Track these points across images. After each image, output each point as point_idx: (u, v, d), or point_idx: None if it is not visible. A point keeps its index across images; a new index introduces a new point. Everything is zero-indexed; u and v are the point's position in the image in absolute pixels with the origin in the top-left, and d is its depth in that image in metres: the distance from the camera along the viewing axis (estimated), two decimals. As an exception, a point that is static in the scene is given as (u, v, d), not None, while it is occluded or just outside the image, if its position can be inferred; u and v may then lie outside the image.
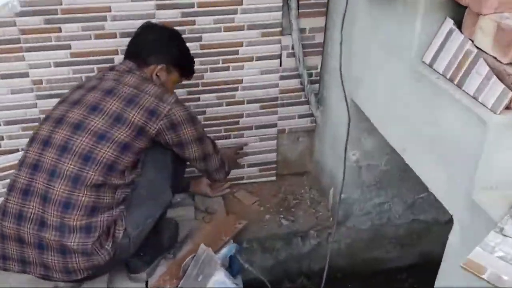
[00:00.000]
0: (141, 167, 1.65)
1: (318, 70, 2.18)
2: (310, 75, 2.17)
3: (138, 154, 1.60)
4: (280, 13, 1.99)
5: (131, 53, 1.73)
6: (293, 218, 2.25)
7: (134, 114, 1.55)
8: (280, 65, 2.13)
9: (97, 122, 1.52)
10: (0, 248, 1.55)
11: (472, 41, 1.17)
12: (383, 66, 1.56)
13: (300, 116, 2.30)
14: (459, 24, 1.24)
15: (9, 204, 1.52)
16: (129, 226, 1.61)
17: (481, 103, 1.11)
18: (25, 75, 1.90)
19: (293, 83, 2.19)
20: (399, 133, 1.50)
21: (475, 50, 1.15)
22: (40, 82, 1.93)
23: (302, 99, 2.24)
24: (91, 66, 1.94)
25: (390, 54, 1.50)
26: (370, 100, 1.70)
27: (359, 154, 2.02)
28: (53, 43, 1.86)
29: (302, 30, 2.05)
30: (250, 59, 2.08)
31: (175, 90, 1.85)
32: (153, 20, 1.86)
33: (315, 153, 2.43)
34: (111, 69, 1.69)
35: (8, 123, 1.98)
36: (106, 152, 1.51)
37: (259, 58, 2.08)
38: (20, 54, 1.85)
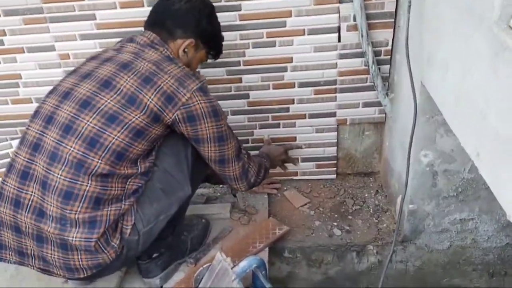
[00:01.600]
0: (156, 156, 1.41)
1: (389, 47, 1.73)
2: (377, 53, 1.73)
3: (153, 141, 1.37)
4: (337, -27, 1.59)
5: (153, 23, 1.46)
6: (349, 227, 1.86)
7: (150, 97, 1.29)
8: (339, 41, 1.73)
9: (108, 100, 1.29)
10: None
11: None
12: (457, 35, 1.11)
13: (365, 105, 1.87)
14: None
15: (6, 186, 1.35)
16: (139, 221, 1.38)
17: None
18: (52, 48, 1.76)
19: (356, 63, 1.77)
20: (473, 130, 1.05)
21: None
22: (67, 56, 1.77)
23: (367, 84, 1.81)
24: (119, 39, 1.72)
25: (466, 19, 1.05)
26: (441, 84, 1.25)
27: (433, 156, 1.56)
28: (77, 12, 1.68)
29: (367, -4, 1.63)
30: (301, 33, 1.71)
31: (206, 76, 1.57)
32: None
33: (384, 150, 1.99)
34: (130, 40, 1.44)
35: (38, 100, 1.86)
36: (116, 137, 1.28)
37: (312, 32, 1.70)
38: (45, 25, 1.70)
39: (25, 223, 1.33)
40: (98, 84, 1.31)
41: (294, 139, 1.98)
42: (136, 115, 1.29)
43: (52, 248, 1.33)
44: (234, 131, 1.50)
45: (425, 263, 1.83)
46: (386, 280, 1.74)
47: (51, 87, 1.77)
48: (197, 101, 1.33)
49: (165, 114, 1.31)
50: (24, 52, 1.77)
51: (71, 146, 1.27)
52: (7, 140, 1.95)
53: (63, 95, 1.34)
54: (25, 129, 1.38)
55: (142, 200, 1.39)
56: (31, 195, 1.32)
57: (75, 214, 1.28)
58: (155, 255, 1.57)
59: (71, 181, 1.27)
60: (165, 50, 1.40)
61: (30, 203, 1.32)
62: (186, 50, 1.44)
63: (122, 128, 1.28)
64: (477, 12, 0.98)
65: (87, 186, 1.28)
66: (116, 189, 1.32)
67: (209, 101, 1.36)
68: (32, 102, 1.87)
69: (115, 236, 1.35)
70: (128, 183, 1.34)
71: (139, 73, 1.32)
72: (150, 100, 1.29)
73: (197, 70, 1.57)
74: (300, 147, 2.00)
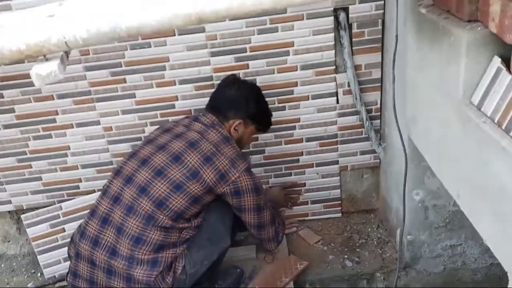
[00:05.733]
0: (206, 211, 1.76)
1: (378, 105, 2.10)
2: (369, 111, 2.10)
3: (204, 205, 1.73)
4: (332, 51, 1.96)
5: (212, 107, 1.85)
6: (358, 259, 2.16)
7: (208, 174, 1.66)
8: (337, 102, 2.09)
9: (177, 172, 1.66)
10: (73, 265, 1.73)
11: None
12: (434, 105, 1.46)
13: (362, 153, 2.22)
14: (508, 63, 1.13)
15: (88, 228, 1.70)
16: (187, 264, 1.71)
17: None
18: (97, 122, 2.08)
19: (352, 119, 2.13)
20: (453, 176, 1.39)
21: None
22: (110, 128, 2.10)
23: (363, 136, 2.17)
24: (155, 112, 2.06)
25: (440, 94, 1.40)
26: (424, 140, 1.60)
27: (423, 194, 1.89)
28: (119, 93, 2.01)
29: (358, 67, 2.00)
30: (306, 98, 2.07)
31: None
32: (208, 67, 1.95)
33: (381, 190, 2.32)
34: (196, 119, 1.80)
35: (84, 166, 2.16)
36: (178, 202, 1.64)
37: (315, 97, 2.07)
38: (92, 104, 2.03)
39: (100, 258, 1.67)
40: (171, 157, 1.68)
41: (304, 184, 2.30)
42: (196, 187, 1.66)
43: (119, 280, 1.67)
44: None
45: (425, 285, 2.11)
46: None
47: (96, 155, 2.10)
48: (244, 179, 1.71)
49: (217, 188, 1.69)
50: (73, 127, 2.08)
51: (145, 204, 1.64)
52: (55, 203, 2.23)
53: (142, 161, 1.70)
54: (107, 182, 1.75)
55: (192, 246, 1.72)
56: (108, 237, 1.67)
57: (142, 255, 1.63)
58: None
59: (142, 229, 1.63)
60: (223, 130, 1.77)
61: (106, 243, 1.67)
62: (236, 128, 1.81)
63: (184, 195, 1.65)
64: (447, 90, 1.34)
65: (153, 234, 1.63)
66: (174, 237, 1.67)
67: (253, 179, 1.75)
68: (78, 169, 2.17)
69: (169, 274, 1.67)
70: (182, 233, 1.69)
71: (202, 152, 1.68)
72: (208, 176, 1.66)
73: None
74: (296, 183, 2.29)
